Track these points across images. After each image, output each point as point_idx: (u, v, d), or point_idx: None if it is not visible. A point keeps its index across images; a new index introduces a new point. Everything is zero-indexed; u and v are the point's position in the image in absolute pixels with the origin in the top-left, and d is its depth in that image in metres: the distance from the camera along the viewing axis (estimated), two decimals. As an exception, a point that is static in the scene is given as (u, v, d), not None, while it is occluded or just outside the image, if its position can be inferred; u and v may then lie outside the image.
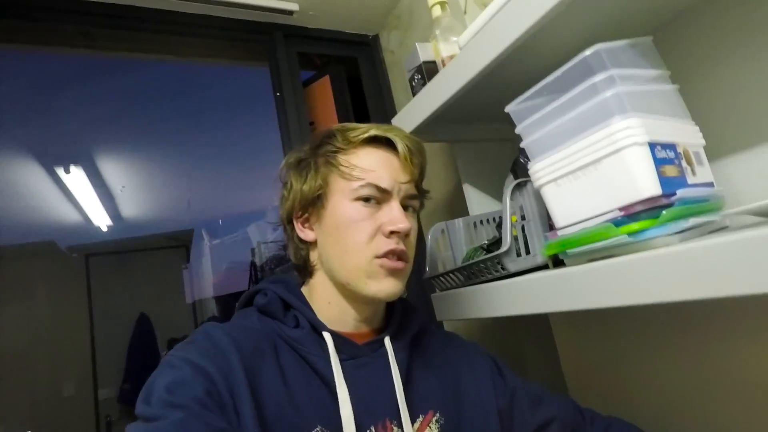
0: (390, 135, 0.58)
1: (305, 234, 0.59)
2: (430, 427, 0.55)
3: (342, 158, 0.57)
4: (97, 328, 3.25)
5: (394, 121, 0.89)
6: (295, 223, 0.60)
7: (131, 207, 3.04)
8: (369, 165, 0.56)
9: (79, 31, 1.05)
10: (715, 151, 0.57)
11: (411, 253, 0.58)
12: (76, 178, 2.31)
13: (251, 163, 2.67)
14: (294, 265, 0.62)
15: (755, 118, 0.58)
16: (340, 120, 1.29)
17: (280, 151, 1.22)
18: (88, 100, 1.98)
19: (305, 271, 0.61)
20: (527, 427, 0.60)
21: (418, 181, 0.61)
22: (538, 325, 1.01)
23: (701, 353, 0.69)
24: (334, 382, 0.52)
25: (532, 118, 0.56)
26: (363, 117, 1.34)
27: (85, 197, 2.56)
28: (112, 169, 2.42)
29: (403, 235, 0.56)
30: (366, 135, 0.57)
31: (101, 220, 3.03)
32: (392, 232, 0.55)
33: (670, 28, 0.64)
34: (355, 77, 1.37)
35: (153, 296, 3.48)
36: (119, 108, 2.07)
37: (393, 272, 0.55)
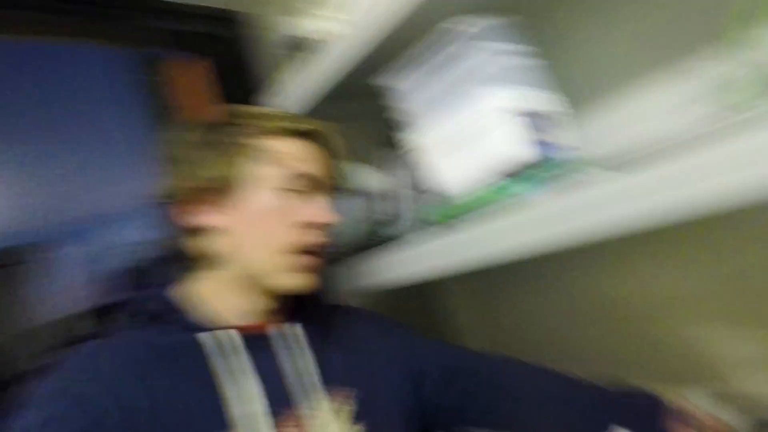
0: (318, 128, 0.57)
1: (205, 220, 0.53)
2: (344, 403, 0.54)
3: (265, 143, 0.53)
4: None
5: (268, 101, 0.85)
6: (187, 207, 0.53)
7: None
8: (294, 155, 0.54)
9: None
10: (575, 117, 0.64)
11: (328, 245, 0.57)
12: None
13: (106, 159, 2.32)
14: (174, 254, 0.56)
15: (608, 87, 0.65)
16: (212, 104, 1.19)
17: (139, 141, 1.08)
18: None
19: (198, 261, 0.55)
20: (437, 383, 0.62)
21: (337, 173, 0.60)
22: (431, 289, 1.06)
23: (572, 290, 0.79)
24: (224, 381, 0.48)
25: (407, 90, 0.57)
26: (232, 98, 1.24)
27: None
28: None
29: (326, 227, 0.55)
30: (292, 125, 0.55)
31: None
32: (315, 224, 0.54)
33: (532, 4, 0.68)
34: (227, 57, 1.26)
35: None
36: None
37: (309, 268, 0.54)
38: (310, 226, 0.54)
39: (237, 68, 1.27)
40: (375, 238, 0.69)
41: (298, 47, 0.80)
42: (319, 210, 0.55)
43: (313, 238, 0.55)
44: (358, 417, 0.54)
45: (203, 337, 0.50)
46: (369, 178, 0.85)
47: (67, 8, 1.01)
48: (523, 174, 0.50)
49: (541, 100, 0.55)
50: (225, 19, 1.27)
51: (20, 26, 1.05)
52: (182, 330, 0.50)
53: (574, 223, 0.44)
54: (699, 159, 0.35)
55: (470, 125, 0.52)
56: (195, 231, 0.54)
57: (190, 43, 1.26)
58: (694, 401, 0.62)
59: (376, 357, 0.61)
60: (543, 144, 0.51)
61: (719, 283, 0.64)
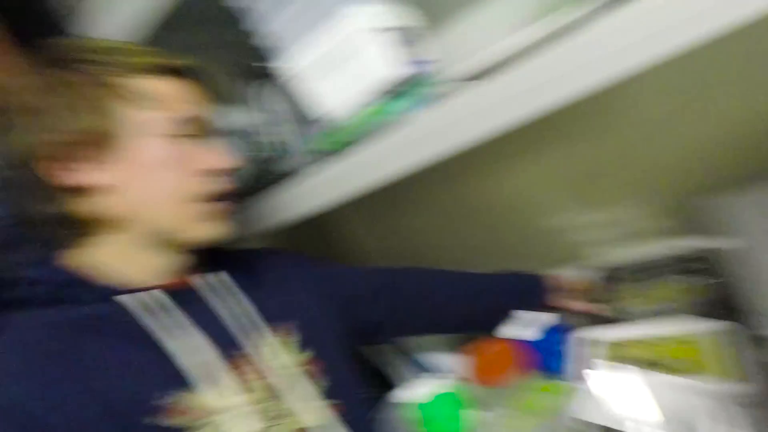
0: (190, 62, 0.51)
1: (84, 178, 0.47)
2: (289, 335, 0.57)
3: (139, 84, 0.46)
4: None
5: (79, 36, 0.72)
6: (54, 165, 0.46)
7: None
8: (177, 95, 0.48)
9: None
10: (435, 31, 0.67)
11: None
12: None
13: None
14: (45, 221, 0.49)
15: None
16: (18, 49, 0.96)
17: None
18: None
19: (89, 225, 0.49)
20: (367, 303, 0.69)
21: (215, 113, 0.56)
22: (328, 218, 1.10)
23: (453, 199, 0.90)
24: (172, 337, 0.47)
25: (271, 10, 0.53)
26: (28, 39, 1.01)
27: None
28: None
29: (228, 172, 0.52)
30: (164, 62, 0.48)
31: None
32: (217, 170, 0.51)
33: None
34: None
35: None
36: None
37: (219, 215, 0.52)
38: (212, 173, 0.51)
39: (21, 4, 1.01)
40: (263, 177, 0.68)
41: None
42: (217, 155, 0.52)
43: (218, 185, 0.52)
44: (303, 345, 0.58)
45: (124, 300, 0.48)
46: (242, 114, 0.81)
47: None
48: (397, 92, 0.52)
49: (402, 16, 0.56)
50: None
51: None
52: (97, 299, 0.47)
53: (448, 134, 0.49)
54: (540, 63, 0.40)
55: (339, 46, 0.51)
56: (74, 192, 0.48)
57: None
58: (568, 276, 0.78)
59: (301, 289, 0.64)
60: (413, 60, 0.54)
61: (570, 173, 0.77)
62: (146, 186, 0.48)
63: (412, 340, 0.82)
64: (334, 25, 0.50)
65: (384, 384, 0.88)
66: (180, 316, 0.50)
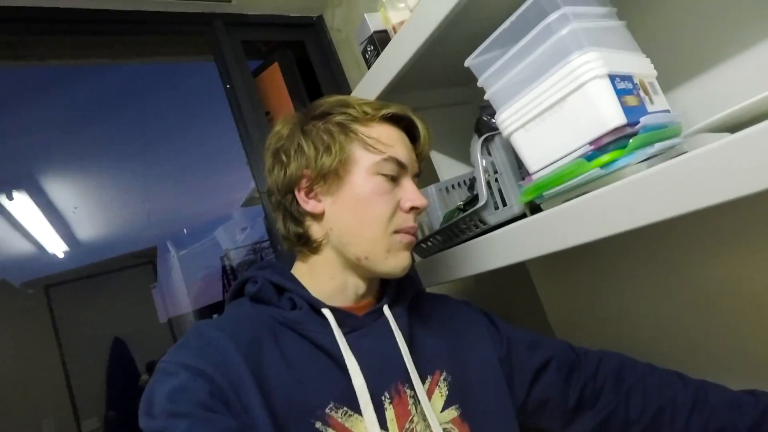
0: (409, 114, 0.60)
1: (311, 206, 0.56)
2: (439, 386, 0.56)
3: (362, 129, 0.56)
4: (69, 359, 3.10)
5: (353, 95, 0.88)
6: (297, 193, 0.57)
7: (87, 229, 2.88)
8: (389, 140, 0.57)
9: (2, 41, 0.97)
10: (665, 81, 0.60)
11: None
12: (21, 204, 2.15)
13: (208, 167, 2.57)
14: (286, 238, 0.59)
15: (697, 46, 0.60)
16: (296, 107, 1.26)
17: (239, 149, 1.18)
18: (22, 118, 1.82)
19: (305, 245, 0.58)
20: (527, 371, 0.61)
21: (420, 158, 0.63)
22: (518, 275, 1.03)
23: (670, 275, 0.73)
24: (341, 356, 0.51)
25: (493, 68, 0.56)
26: (310, 96, 1.31)
27: (35, 224, 2.39)
28: (61, 190, 2.26)
29: (419, 211, 0.58)
30: (387, 111, 0.58)
31: (56, 246, 2.85)
32: (411, 208, 0.57)
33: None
34: (304, 60, 1.34)
35: (125, 319, 3.34)
36: (59, 124, 1.92)
37: (408, 246, 0.57)
38: (406, 210, 0.56)
39: (318, 70, 1.33)
40: (461, 225, 0.69)
41: (376, 39, 0.83)
42: (416, 195, 0.57)
43: (410, 221, 0.57)
44: (451, 398, 0.56)
45: (326, 313, 0.53)
46: (449, 166, 0.86)
47: (137, 29, 1.12)
48: (614, 143, 0.48)
49: (628, 62, 0.52)
50: (300, 25, 1.34)
51: (126, 51, 1.19)
52: (305, 307, 0.54)
53: (675, 192, 0.41)
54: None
55: (557, 93, 0.50)
56: (303, 216, 0.57)
57: (271, 51, 1.35)
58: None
59: (464, 340, 0.62)
60: (634, 108, 0.48)
61: None
62: (352, 215, 0.55)
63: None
64: (556, 71, 0.49)
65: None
66: (364, 340, 0.54)
